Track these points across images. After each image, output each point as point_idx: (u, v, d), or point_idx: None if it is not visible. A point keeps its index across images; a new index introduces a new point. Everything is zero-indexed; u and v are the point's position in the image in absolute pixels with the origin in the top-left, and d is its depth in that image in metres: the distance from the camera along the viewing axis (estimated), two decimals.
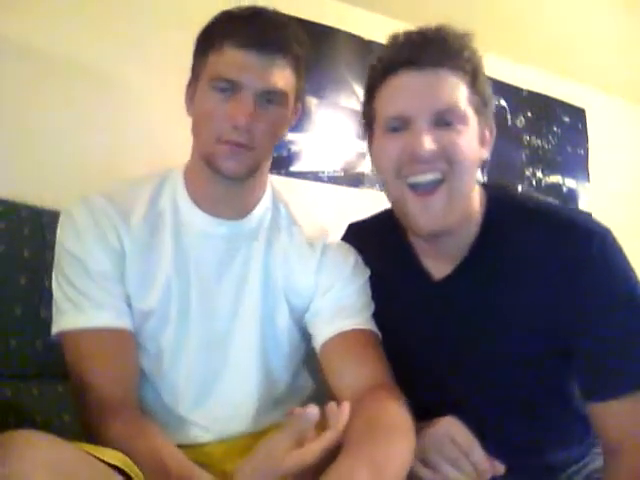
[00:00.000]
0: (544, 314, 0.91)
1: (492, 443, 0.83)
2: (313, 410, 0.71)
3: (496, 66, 2.43)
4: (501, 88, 2.45)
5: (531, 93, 2.54)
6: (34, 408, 1.16)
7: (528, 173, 2.47)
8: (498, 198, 0.99)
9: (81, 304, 0.89)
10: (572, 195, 2.61)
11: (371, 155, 1.02)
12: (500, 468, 0.83)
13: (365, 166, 2.09)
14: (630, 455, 0.88)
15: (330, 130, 2.04)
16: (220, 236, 0.99)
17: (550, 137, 2.57)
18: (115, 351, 0.90)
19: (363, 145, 2.11)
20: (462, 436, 0.83)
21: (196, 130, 0.97)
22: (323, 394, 1.02)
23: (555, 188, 2.56)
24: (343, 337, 0.97)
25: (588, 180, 2.65)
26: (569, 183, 2.61)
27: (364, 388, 0.91)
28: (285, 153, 1.92)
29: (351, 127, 2.08)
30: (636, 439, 0.88)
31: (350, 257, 1.06)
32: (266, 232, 1.02)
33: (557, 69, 2.56)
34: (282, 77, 0.92)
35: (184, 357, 0.95)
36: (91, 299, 0.89)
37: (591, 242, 0.88)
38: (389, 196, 0.98)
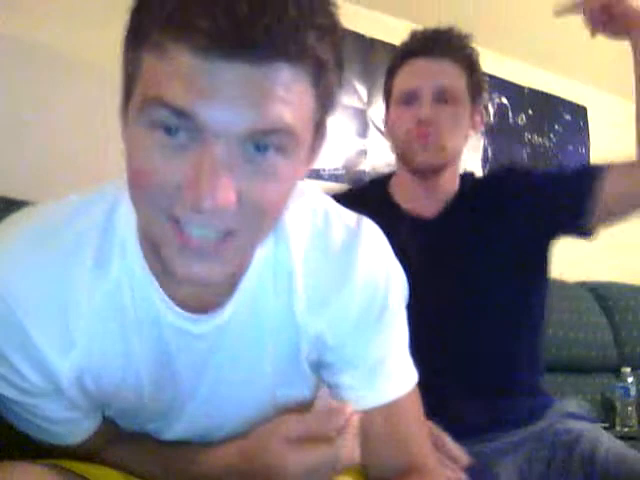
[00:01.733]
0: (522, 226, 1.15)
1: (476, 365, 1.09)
2: (340, 420, 0.60)
3: (498, 64, 2.43)
4: (502, 86, 2.45)
5: (532, 91, 2.54)
6: None
7: None
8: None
9: (42, 428, 0.69)
10: None
11: (386, 124, 1.24)
12: (465, 458, 0.89)
13: (366, 164, 2.09)
14: None
15: (331, 128, 2.03)
16: (207, 334, 0.66)
17: (551, 135, 2.57)
18: (89, 441, 0.73)
19: (364, 143, 2.12)
20: (434, 428, 0.89)
21: (131, 189, 0.54)
22: None
23: None
24: (386, 408, 0.72)
25: None
26: None
27: (403, 472, 0.74)
28: None
29: (352, 125, 2.08)
30: None
31: (384, 291, 0.71)
32: (274, 294, 0.68)
33: (558, 67, 2.55)
34: (288, 102, 0.50)
35: (175, 430, 0.75)
36: (51, 430, 0.69)
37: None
38: (396, 148, 1.21)
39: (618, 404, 1.96)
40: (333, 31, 0.52)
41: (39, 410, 0.66)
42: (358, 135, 2.09)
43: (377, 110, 2.14)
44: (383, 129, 1.32)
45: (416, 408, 0.77)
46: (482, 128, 1.28)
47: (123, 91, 0.55)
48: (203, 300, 0.64)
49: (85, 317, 0.62)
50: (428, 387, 0.78)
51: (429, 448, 0.79)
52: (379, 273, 0.70)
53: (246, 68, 0.47)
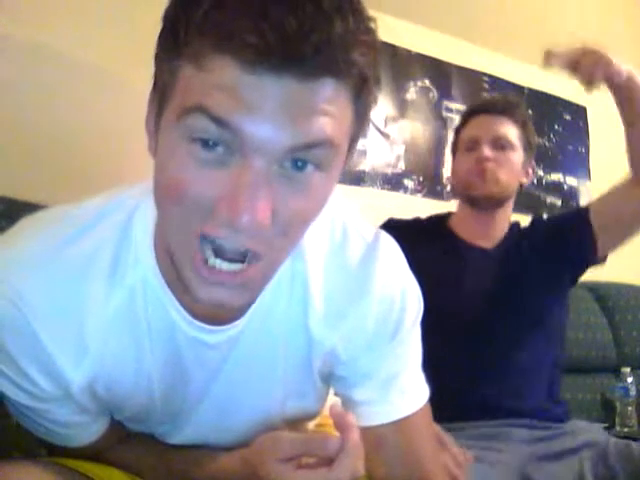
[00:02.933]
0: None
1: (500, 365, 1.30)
2: (334, 444, 0.56)
3: (497, 64, 2.43)
4: (502, 86, 2.45)
5: (532, 91, 2.54)
6: None
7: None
8: None
9: (52, 431, 0.70)
10: (573, 193, 2.60)
11: (453, 170, 1.51)
12: (470, 458, 0.98)
13: (366, 164, 2.09)
14: None
15: None
16: (222, 344, 0.67)
17: (551, 135, 2.57)
18: (97, 443, 0.75)
19: (364, 143, 2.11)
20: (439, 431, 0.96)
21: (157, 205, 0.55)
22: None
23: (556, 186, 2.56)
24: (399, 424, 0.72)
25: (589, 178, 2.65)
26: (570, 181, 2.60)
27: None
28: None
29: None
30: None
31: (400, 307, 0.71)
32: (288, 307, 0.68)
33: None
34: (331, 117, 0.50)
35: (182, 434, 0.76)
36: (59, 433, 0.70)
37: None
38: (459, 187, 1.46)
39: (618, 404, 1.96)
40: (374, 48, 0.52)
41: (49, 414, 0.66)
42: None
43: (376, 110, 2.14)
44: (450, 179, 1.55)
45: (428, 424, 0.77)
46: (531, 180, 1.52)
47: (154, 100, 0.54)
48: (217, 313, 0.64)
49: (99, 326, 0.62)
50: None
51: (440, 465, 0.79)
52: (395, 289, 0.70)
53: (293, 83, 0.47)
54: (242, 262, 0.51)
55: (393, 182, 2.13)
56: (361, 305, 0.68)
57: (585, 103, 2.67)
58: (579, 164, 2.64)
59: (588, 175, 2.65)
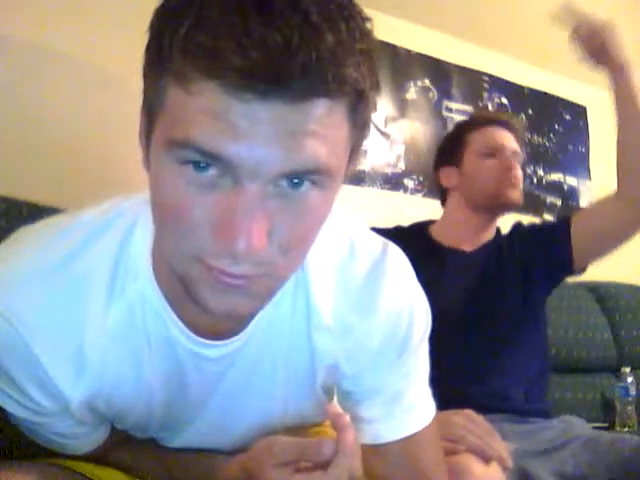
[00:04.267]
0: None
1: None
2: (329, 447, 0.55)
3: (498, 64, 2.43)
4: (502, 86, 2.45)
5: (532, 91, 2.54)
6: None
7: (529, 171, 2.47)
8: None
9: (53, 441, 0.70)
10: (573, 193, 2.60)
11: (460, 169, 1.51)
12: (510, 462, 0.98)
13: (366, 164, 2.09)
14: None
15: None
16: (221, 359, 0.65)
17: (551, 135, 2.57)
18: (99, 447, 0.75)
19: (364, 143, 2.11)
20: (485, 424, 1.01)
21: (156, 226, 0.54)
22: None
23: (556, 186, 2.56)
24: (405, 443, 0.71)
25: (589, 178, 2.65)
26: (570, 181, 2.60)
27: None
28: None
29: None
30: None
31: (407, 322, 0.70)
32: (290, 322, 0.67)
33: (558, 67, 2.55)
34: (325, 136, 0.47)
35: (182, 439, 0.76)
36: (59, 442, 0.70)
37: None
38: (481, 189, 1.47)
39: (618, 404, 1.96)
40: (371, 55, 0.48)
41: (49, 427, 0.66)
42: None
43: (377, 110, 2.13)
44: (447, 181, 1.54)
45: (435, 440, 0.75)
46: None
47: (144, 116, 0.52)
48: (218, 327, 0.63)
49: (97, 342, 0.60)
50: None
51: (444, 468, 0.78)
52: (403, 304, 0.68)
53: (281, 107, 0.44)
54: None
55: (393, 182, 2.13)
56: (367, 321, 0.66)
57: (585, 103, 2.67)
58: (579, 164, 2.64)
59: (588, 175, 2.65)
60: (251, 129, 0.44)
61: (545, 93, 2.57)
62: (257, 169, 0.45)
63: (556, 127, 2.60)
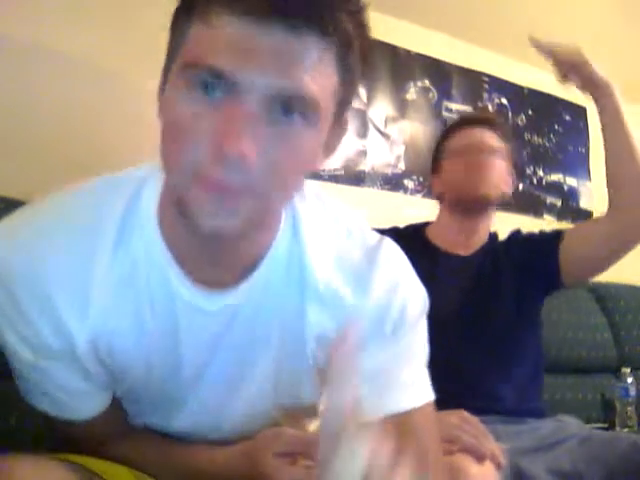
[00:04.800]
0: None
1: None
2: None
3: (497, 64, 2.43)
4: (502, 86, 2.45)
5: (532, 91, 2.54)
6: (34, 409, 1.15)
7: (529, 171, 2.47)
8: None
9: (52, 401, 0.73)
10: (573, 193, 2.60)
11: (437, 177, 1.53)
12: (503, 461, 0.99)
13: (366, 164, 2.09)
14: None
15: None
16: (218, 312, 0.69)
17: (551, 135, 2.57)
18: (100, 421, 0.77)
19: (363, 143, 2.11)
20: (479, 424, 1.01)
21: (163, 154, 0.59)
22: None
23: (556, 186, 2.56)
24: (400, 418, 0.70)
25: (589, 178, 2.65)
26: (570, 181, 2.60)
27: None
28: None
29: (352, 125, 2.08)
30: None
31: (402, 300, 0.73)
32: (285, 287, 0.71)
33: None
34: (316, 73, 0.54)
35: (180, 420, 0.78)
36: (62, 399, 0.72)
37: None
38: (452, 190, 1.47)
39: (618, 404, 1.96)
40: (362, 16, 0.58)
41: (52, 376, 0.70)
42: (358, 135, 2.09)
43: (376, 110, 2.14)
44: (433, 190, 1.58)
45: (432, 425, 0.75)
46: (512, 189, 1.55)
47: (167, 58, 0.61)
48: (217, 281, 0.68)
49: (102, 290, 0.66)
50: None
51: (444, 470, 0.78)
52: (397, 284, 0.72)
53: (282, 36, 0.52)
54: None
55: (393, 182, 2.14)
56: (360, 296, 0.70)
57: (585, 103, 2.67)
58: (579, 164, 2.64)
59: (588, 175, 2.65)
60: (254, 51, 0.52)
61: (545, 93, 2.57)
62: (255, 86, 0.53)
63: (556, 127, 2.60)
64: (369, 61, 0.61)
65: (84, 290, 0.65)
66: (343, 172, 2.04)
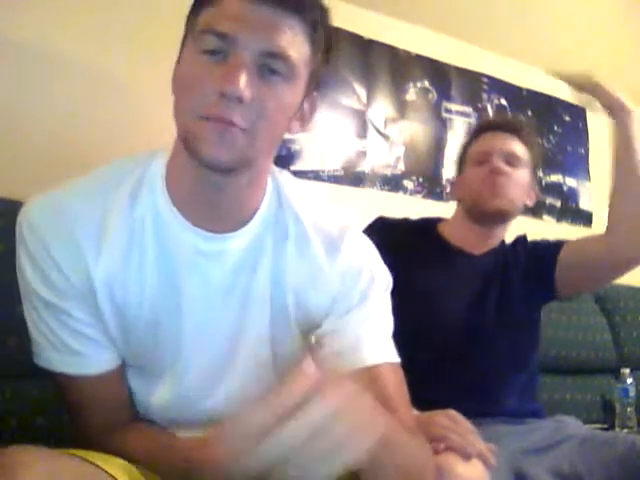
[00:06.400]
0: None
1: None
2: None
3: (497, 65, 2.43)
4: (501, 87, 2.45)
5: (531, 92, 2.54)
6: (34, 409, 1.16)
7: None
8: None
9: (62, 351, 0.80)
10: (573, 194, 2.60)
11: (458, 185, 1.52)
12: (492, 460, 0.97)
13: (365, 165, 2.09)
14: None
15: (330, 129, 2.03)
16: (215, 254, 0.80)
17: (551, 136, 2.57)
18: (105, 389, 0.83)
19: (363, 144, 2.11)
20: (467, 423, 0.99)
21: (176, 106, 0.75)
22: None
23: (556, 187, 2.56)
24: (366, 372, 0.80)
25: (589, 179, 2.65)
26: (570, 182, 2.60)
27: None
28: (285, 152, 1.92)
29: (351, 126, 2.08)
30: None
31: (371, 268, 0.86)
32: (272, 243, 0.83)
33: (558, 68, 2.55)
34: (293, 41, 0.72)
35: (178, 383, 0.84)
36: (72, 348, 0.80)
37: None
38: (468, 199, 1.45)
39: (617, 405, 1.96)
40: (324, 5, 0.77)
41: (68, 321, 0.78)
42: (357, 136, 2.09)
43: (376, 111, 2.14)
44: (453, 191, 1.58)
45: (400, 385, 0.84)
46: (534, 202, 1.53)
47: (183, 39, 0.77)
48: (215, 230, 0.80)
49: (115, 240, 0.78)
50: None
51: (414, 423, 0.85)
52: (363, 263, 0.85)
53: (269, 12, 0.71)
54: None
55: (393, 183, 2.14)
56: (332, 258, 0.84)
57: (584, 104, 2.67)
58: (579, 165, 2.64)
59: (588, 176, 2.65)
60: (249, 21, 0.70)
61: (544, 94, 2.57)
62: (249, 43, 0.70)
63: (555, 128, 2.60)
64: (332, 43, 0.80)
65: (101, 233, 0.77)
66: (343, 173, 2.04)
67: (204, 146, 0.70)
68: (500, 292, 1.41)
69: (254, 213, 0.82)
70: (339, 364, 0.79)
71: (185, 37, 0.77)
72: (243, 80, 0.68)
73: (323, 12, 0.76)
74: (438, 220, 1.53)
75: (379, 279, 0.86)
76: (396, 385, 0.83)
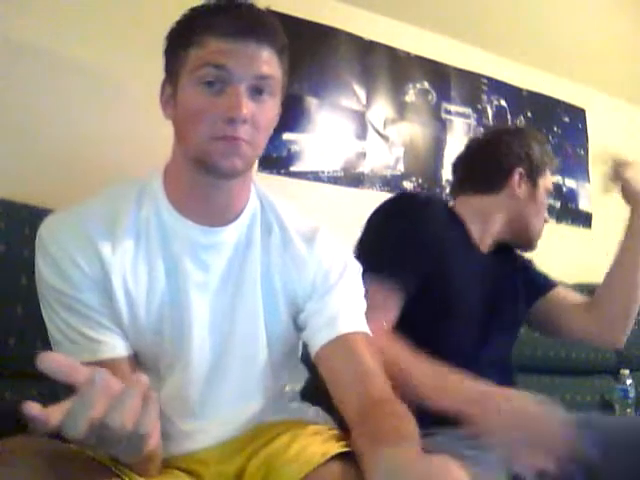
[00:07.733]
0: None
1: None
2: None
3: (496, 66, 2.43)
4: (501, 88, 2.45)
5: (531, 93, 2.54)
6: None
7: None
8: None
9: (77, 341, 0.86)
10: (572, 195, 2.60)
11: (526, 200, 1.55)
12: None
13: (365, 166, 2.09)
14: None
15: (330, 130, 2.04)
16: (212, 246, 0.93)
17: (550, 137, 2.57)
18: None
19: (363, 145, 2.12)
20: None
21: (183, 131, 0.90)
22: (316, 386, 1.02)
23: (555, 188, 2.55)
24: (344, 340, 0.93)
25: (588, 180, 2.65)
26: (569, 183, 2.60)
27: (370, 402, 0.88)
28: (285, 153, 1.92)
29: (351, 127, 2.08)
30: None
31: (343, 257, 1.02)
32: (260, 235, 0.98)
33: (557, 69, 2.56)
34: (271, 65, 0.88)
35: (183, 368, 0.92)
36: (87, 336, 0.86)
37: None
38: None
39: (617, 406, 1.96)
40: (283, 37, 0.92)
41: (81, 307, 0.85)
42: (357, 137, 2.09)
43: (376, 112, 2.14)
44: (490, 201, 1.50)
45: (374, 353, 0.95)
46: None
47: (168, 78, 0.92)
48: (211, 225, 0.93)
49: (125, 239, 0.89)
50: None
51: (391, 389, 0.92)
52: (336, 254, 1.01)
53: (253, 46, 0.86)
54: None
55: (392, 184, 2.14)
56: (310, 248, 0.98)
57: (584, 105, 2.67)
58: (578, 166, 2.64)
59: (587, 177, 2.65)
60: (239, 56, 0.85)
61: (544, 95, 2.57)
62: (242, 74, 0.85)
63: (555, 129, 2.60)
64: (290, 66, 0.95)
65: (113, 230, 0.88)
66: (342, 174, 2.04)
67: (222, 160, 0.86)
68: (506, 291, 1.42)
69: (242, 209, 0.97)
70: (319, 338, 0.94)
71: (172, 72, 0.91)
72: (245, 106, 0.84)
73: (284, 38, 0.92)
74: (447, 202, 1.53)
75: (350, 264, 1.02)
76: (372, 355, 0.94)
